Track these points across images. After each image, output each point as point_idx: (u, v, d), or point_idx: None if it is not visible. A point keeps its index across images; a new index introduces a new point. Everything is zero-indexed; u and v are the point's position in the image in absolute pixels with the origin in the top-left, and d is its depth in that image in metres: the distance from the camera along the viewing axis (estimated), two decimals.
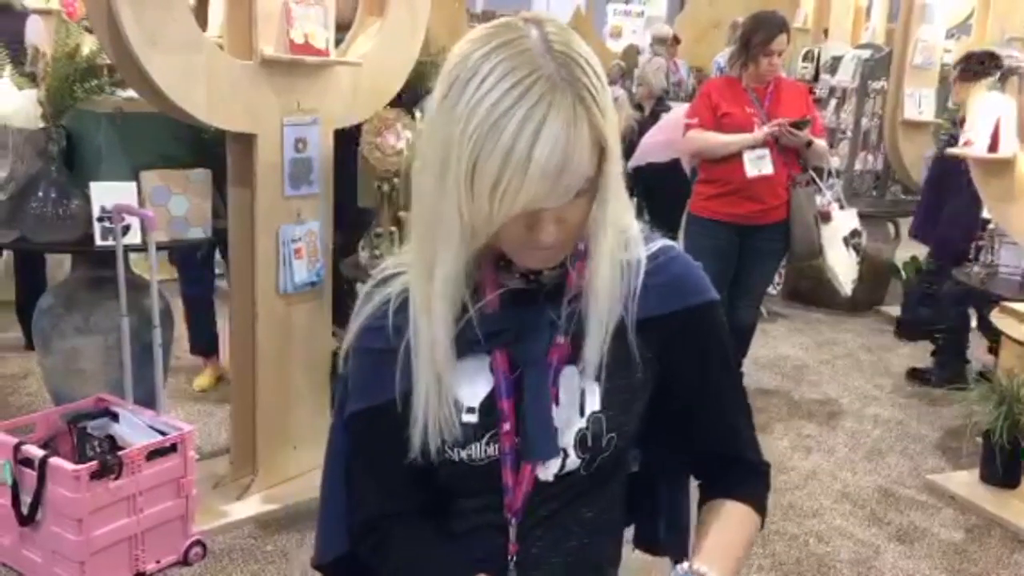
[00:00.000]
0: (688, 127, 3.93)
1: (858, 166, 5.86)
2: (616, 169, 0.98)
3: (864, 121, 5.89)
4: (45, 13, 3.41)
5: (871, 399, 4.31)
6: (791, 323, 5.49)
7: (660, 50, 7.86)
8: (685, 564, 1.03)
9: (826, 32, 7.12)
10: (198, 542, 2.72)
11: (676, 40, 8.67)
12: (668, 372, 1.10)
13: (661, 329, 1.07)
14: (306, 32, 2.84)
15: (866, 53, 6.09)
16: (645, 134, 5.74)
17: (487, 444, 1.06)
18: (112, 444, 2.63)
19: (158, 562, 2.64)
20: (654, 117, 5.95)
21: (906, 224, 5.27)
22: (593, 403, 1.05)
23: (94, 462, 2.46)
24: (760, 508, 1.15)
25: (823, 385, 4.47)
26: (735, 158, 3.70)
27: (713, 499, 1.14)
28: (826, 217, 3.80)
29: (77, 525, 2.43)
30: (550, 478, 1.06)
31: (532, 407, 1.05)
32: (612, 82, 8.30)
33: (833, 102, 6.10)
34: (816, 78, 6.27)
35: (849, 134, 5.91)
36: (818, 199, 3.82)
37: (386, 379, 1.06)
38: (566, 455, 1.05)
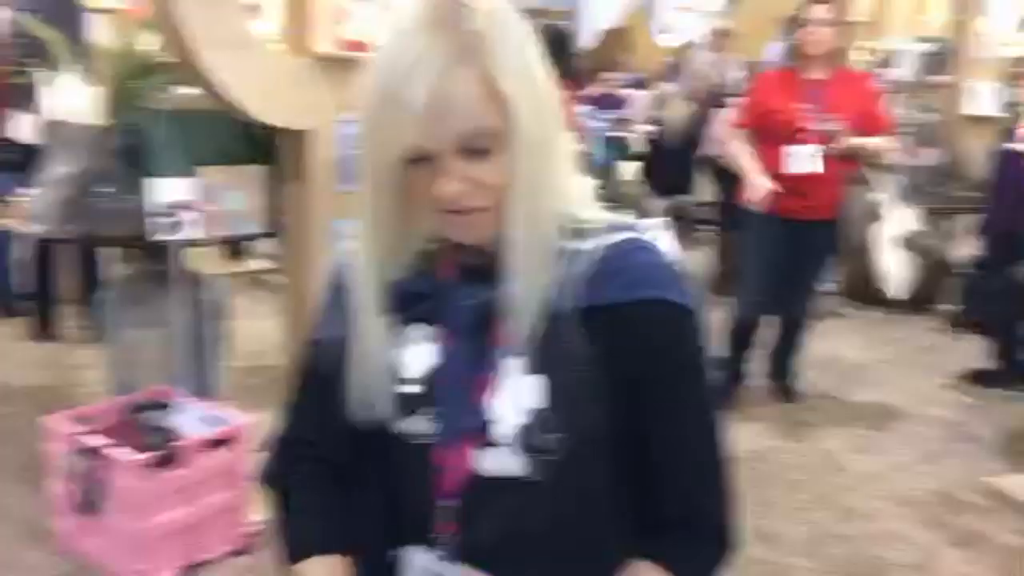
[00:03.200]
0: (732, 126, 3.92)
1: (917, 162, 5.74)
2: (533, 131, 0.96)
3: (924, 116, 5.76)
4: (108, 12, 3.48)
5: (929, 399, 4.22)
6: (847, 322, 5.40)
7: (713, 45, 7.78)
8: None
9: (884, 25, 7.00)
10: (254, 532, 2.77)
11: (729, 35, 8.57)
12: (618, 378, 1.00)
13: (607, 321, 0.99)
14: (360, 29, 2.86)
15: (925, 46, 5.97)
16: (699, 128, 5.71)
17: (427, 419, 1.04)
18: (171, 435, 2.68)
19: (215, 551, 2.69)
20: (706, 111, 5.91)
21: (965, 220, 5.16)
22: (534, 398, 0.99)
23: (153, 452, 2.51)
24: None
25: (879, 385, 4.39)
26: (773, 151, 3.63)
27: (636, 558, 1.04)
28: (875, 216, 3.72)
29: (137, 513, 2.49)
30: (489, 472, 1.01)
31: (446, 376, 1.03)
32: (662, 78, 8.25)
33: (891, 97, 5.98)
34: (874, 72, 6.15)
35: (908, 129, 5.80)
36: (872, 197, 3.74)
37: (343, 316, 1.07)
38: (505, 452, 1.00)
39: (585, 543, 1.05)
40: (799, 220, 3.67)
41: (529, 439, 1.00)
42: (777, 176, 3.63)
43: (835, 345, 4.96)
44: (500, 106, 0.94)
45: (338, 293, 1.10)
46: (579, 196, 1.05)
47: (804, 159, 3.59)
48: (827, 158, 3.59)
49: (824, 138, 3.58)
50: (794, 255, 3.82)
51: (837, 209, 3.68)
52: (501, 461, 1.01)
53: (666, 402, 1.03)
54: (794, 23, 3.72)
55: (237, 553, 2.73)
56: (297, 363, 1.17)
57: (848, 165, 3.68)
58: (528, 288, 0.98)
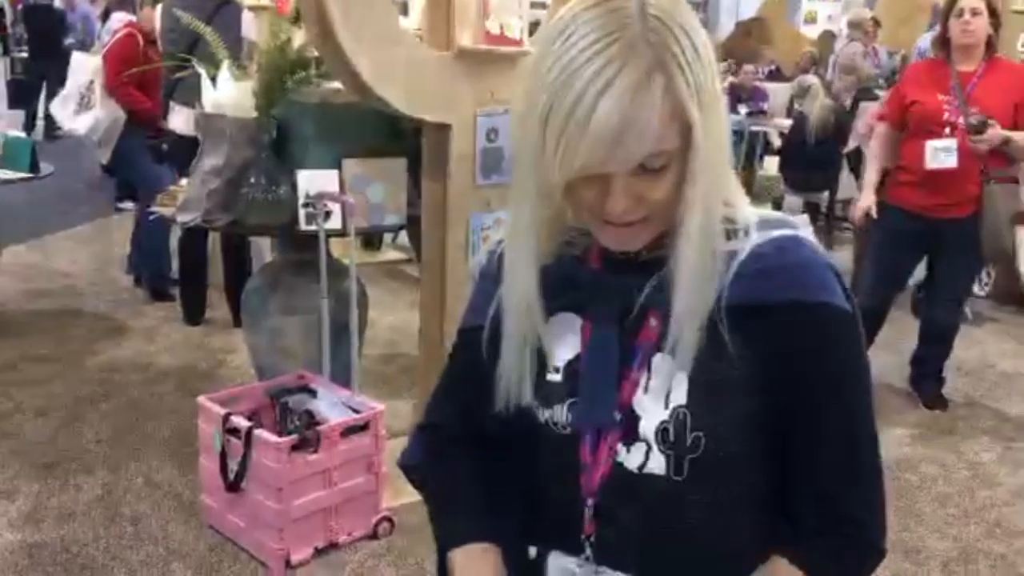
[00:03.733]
0: (875, 122, 3.85)
1: None
2: (711, 150, 0.92)
3: None
4: (259, 8, 3.61)
5: None
6: (1000, 327, 5.11)
7: (857, 35, 7.49)
8: None
9: None
10: (387, 518, 2.83)
11: (876, 24, 8.24)
12: (769, 378, 0.98)
13: (757, 321, 0.96)
14: (501, 23, 2.87)
15: None
16: (845, 122, 5.52)
17: (568, 410, 1.03)
18: (311, 419, 2.76)
19: (349, 534, 2.76)
20: (854, 104, 5.70)
21: None
22: (679, 396, 0.98)
23: (295, 435, 2.60)
24: None
25: None
26: (916, 145, 3.52)
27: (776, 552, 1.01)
28: (1022, 218, 3.50)
29: (278, 494, 2.57)
30: (633, 467, 1.00)
31: (586, 365, 1.02)
32: (804, 70, 8.00)
33: None
34: None
35: None
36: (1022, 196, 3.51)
37: (490, 302, 1.08)
38: (649, 448, 0.99)
39: (724, 544, 1.02)
40: (935, 218, 3.55)
41: (671, 437, 0.98)
42: (917, 171, 3.53)
43: (986, 352, 4.70)
44: (682, 127, 0.91)
45: (489, 281, 1.11)
46: (734, 194, 1.02)
47: (942, 154, 3.46)
48: (966, 153, 3.44)
49: (963, 132, 3.42)
50: (931, 255, 3.72)
51: (975, 207, 3.50)
52: (644, 458, 1.00)
53: (822, 406, 0.99)
54: (946, 12, 3.57)
55: (371, 537, 2.80)
56: (448, 351, 1.18)
57: (993, 161, 3.48)
58: (694, 291, 0.96)
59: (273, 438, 2.58)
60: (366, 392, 3.07)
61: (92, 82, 4.80)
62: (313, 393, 2.91)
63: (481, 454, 1.12)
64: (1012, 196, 3.49)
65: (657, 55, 0.89)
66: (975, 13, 3.45)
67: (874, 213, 3.73)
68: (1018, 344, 4.84)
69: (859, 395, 1.01)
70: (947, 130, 3.47)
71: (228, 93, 3.11)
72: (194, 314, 4.81)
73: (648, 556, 1.02)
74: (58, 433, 3.49)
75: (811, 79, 6.89)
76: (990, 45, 3.53)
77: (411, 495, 3.03)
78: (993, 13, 3.51)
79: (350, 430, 2.72)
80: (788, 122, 6.85)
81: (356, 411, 2.81)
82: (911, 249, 3.73)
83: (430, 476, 1.15)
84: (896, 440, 3.58)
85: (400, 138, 3.17)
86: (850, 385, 1.01)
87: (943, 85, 3.52)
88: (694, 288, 0.95)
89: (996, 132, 3.38)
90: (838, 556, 1.01)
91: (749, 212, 1.02)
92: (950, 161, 3.45)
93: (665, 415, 0.98)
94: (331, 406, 2.85)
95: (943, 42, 3.58)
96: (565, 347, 1.05)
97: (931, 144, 3.47)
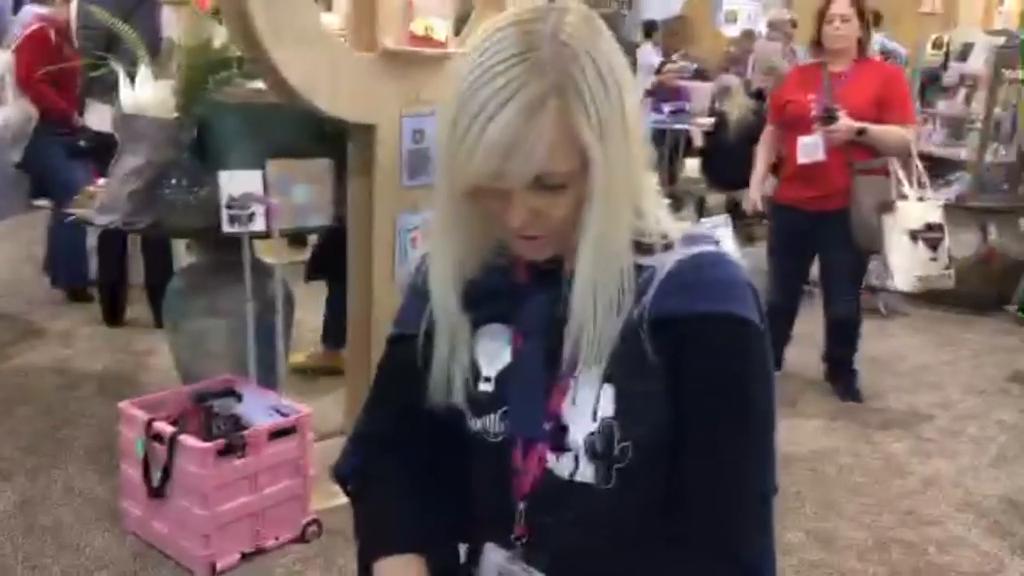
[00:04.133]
0: (768, 121, 4.19)
1: (989, 158, 5.60)
2: (613, 175, 0.95)
3: (997, 111, 5.61)
4: (179, 4, 3.54)
5: (997, 403, 4.13)
6: (912, 321, 5.30)
7: (776, 35, 7.66)
8: None
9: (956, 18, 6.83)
10: (315, 521, 2.81)
11: (794, 24, 8.44)
12: (675, 389, 1.00)
13: (673, 333, 0.99)
14: (426, 24, 2.87)
15: (1000, 40, 5.81)
16: (763, 122, 5.61)
17: (500, 419, 1.06)
18: (236, 423, 2.73)
19: (277, 538, 2.74)
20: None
21: None
22: (606, 407, 1.01)
23: (221, 440, 2.57)
24: None
25: (945, 387, 4.30)
26: (794, 142, 3.79)
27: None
28: (888, 207, 3.67)
29: (203, 499, 2.54)
30: (564, 475, 1.03)
31: (516, 375, 1.05)
32: (723, 69, 8.14)
33: (963, 91, 5.84)
34: (945, 66, 6.02)
35: (979, 125, 5.66)
36: (888, 188, 3.70)
37: (419, 313, 1.11)
38: (578, 457, 1.02)
39: (643, 552, 1.05)
40: (812, 211, 3.78)
41: (599, 446, 1.01)
42: (792, 166, 3.84)
43: (899, 345, 4.87)
44: (580, 150, 0.94)
45: (419, 294, 1.13)
46: (653, 207, 1.04)
47: (810, 149, 3.73)
48: (831, 147, 3.69)
49: (826, 126, 3.67)
50: (815, 248, 3.95)
51: (846, 200, 3.72)
52: (572, 466, 1.03)
53: (714, 406, 1.01)
54: (819, 18, 3.84)
55: (299, 540, 2.78)
56: (375, 353, 1.20)
57: (858, 154, 3.72)
58: (598, 316, 0.98)
59: (198, 443, 2.55)
60: (292, 395, 3.05)
61: (2, 77, 4.65)
62: (239, 397, 2.88)
63: (413, 461, 1.14)
64: (878, 187, 3.69)
65: (558, 79, 0.92)
66: (844, 20, 3.74)
67: (759, 205, 4.14)
68: (928, 338, 5.02)
69: (756, 405, 1.03)
70: (815, 126, 3.73)
71: (147, 93, 3.05)
72: (114, 315, 4.70)
73: (574, 560, 1.05)
74: None
75: (731, 79, 7.02)
76: (861, 47, 3.80)
77: (339, 498, 3.02)
78: (862, 16, 3.77)
79: (277, 433, 2.70)
80: (710, 121, 6.98)
81: (283, 414, 2.79)
82: (800, 243, 3.96)
83: (361, 487, 1.16)
84: (813, 432, 3.70)
85: (325, 139, 3.14)
86: (748, 395, 1.02)
87: (815, 85, 3.82)
88: (588, 306, 0.98)
89: (846, 122, 3.63)
90: (710, 573, 1.01)
91: (673, 227, 1.05)
92: (818, 155, 3.71)
93: (593, 427, 1.01)
94: (257, 410, 2.82)
95: (817, 46, 3.88)
96: (496, 357, 1.08)
97: (801, 140, 3.75)
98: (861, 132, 3.63)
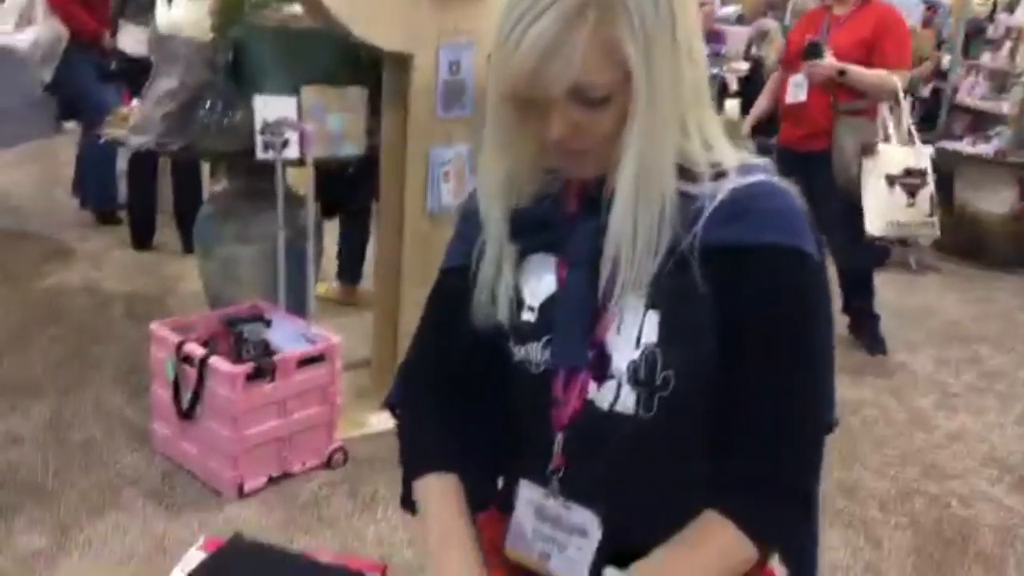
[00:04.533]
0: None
1: None
2: (658, 95, 0.94)
3: None
4: None
5: None
6: (943, 277, 5.25)
7: None
8: (611, 573, 0.97)
9: None
10: (341, 448, 2.84)
11: None
12: (726, 320, 0.99)
13: (730, 262, 0.97)
14: None
15: None
16: None
17: (543, 349, 1.05)
18: (266, 349, 2.75)
19: (303, 464, 2.77)
20: None
21: None
22: (650, 334, 1.00)
23: (250, 364, 2.58)
24: (761, 540, 0.99)
25: (973, 343, 4.27)
26: (784, 82, 3.89)
27: (707, 508, 1.00)
28: (869, 150, 3.63)
29: (232, 422, 2.57)
30: (604, 406, 1.02)
31: (560, 305, 1.04)
32: (761, 13, 7.97)
33: (1008, 44, 5.71)
34: (992, 17, 5.87)
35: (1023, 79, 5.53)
36: (870, 131, 3.67)
37: (473, 243, 1.10)
38: (620, 386, 1.01)
39: (681, 488, 1.04)
40: (801, 152, 3.76)
41: (642, 375, 1.00)
42: (785, 107, 3.91)
43: (929, 300, 4.83)
44: (619, 65, 0.93)
45: (469, 219, 1.12)
46: (706, 132, 1.02)
47: (797, 88, 3.78)
48: (815, 87, 3.72)
49: (809, 60, 3.71)
50: (811, 194, 3.89)
51: (829, 140, 3.73)
52: (614, 396, 1.02)
53: (777, 350, 0.99)
54: None
55: (325, 467, 2.81)
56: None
57: (842, 96, 3.72)
58: (634, 232, 0.97)
59: (229, 367, 2.56)
60: (320, 324, 3.06)
61: None
62: (268, 323, 2.89)
63: (455, 392, 1.14)
64: (861, 129, 3.68)
65: None
66: None
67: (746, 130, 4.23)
68: (958, 294, 4.97)
69: (816, 340, 1.01)
70: (801, 62, 3.76)
71: (183, 13, 3.02)
72: (143, 239, 4.72)
73: (611, 493, 1.05)
74: (4, 356, 3.43)
75: (769, 23, 6.89)
76: None
77: (365, 428, 3.06)
78: None
79: (306, 361, 2.71)
80: (745, 66, 6.86)
81: (312, 342, 2.80)
82: (798, 184, 3.88)
83: (407, 413, 1.17)
84: (838, 384, 3.66)
85: (361, 67, 3.11)
86: (808, 330, 1.01)
87: (816, 27, 3.85)
88: (627, 226, 0.97)
89: (829, 60, 3.66)
90: (766, 509, 1.00)
91: (729, 156, 1.03)
92: (802, 95, 3.76)
93: (635, 354, 1.00)
94: (286, 336, 2.83)
95: None
96: (540, 287, 1.07)
97: (791, 79, 3.81)
98: (842, 73, 3.64)
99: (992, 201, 5.40)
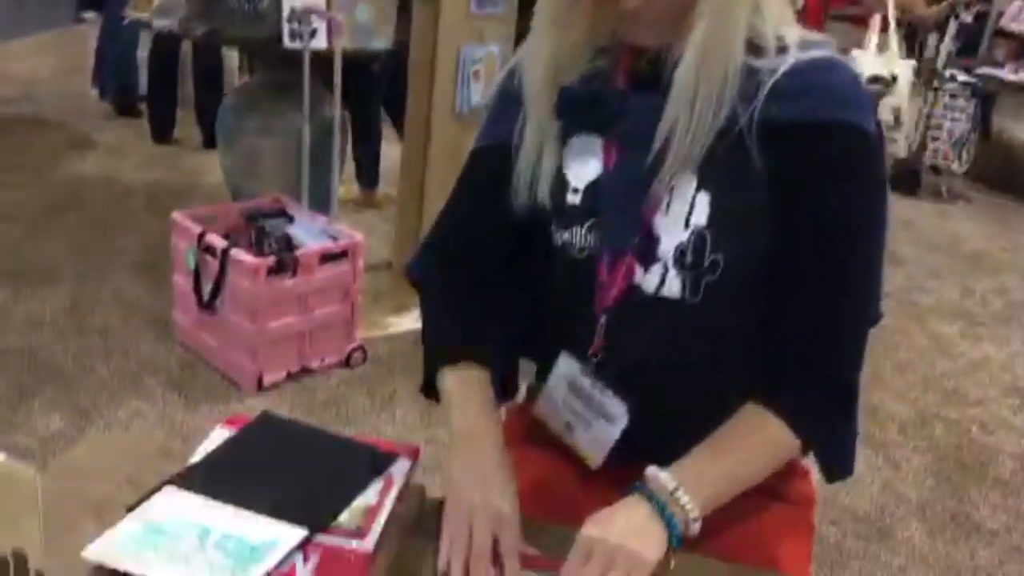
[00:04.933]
0: None
1: None
2: None
3: None
4: None
5: None
6: (973, 206, 5.15)
7: None
8: (655, 472, 0.92)
9: None
10: (360, 348, 2.82)
11: None
12: (781, 201, 0.94)
13: (788, 140, 0.92)
14: None
15: None
16: None
17: (587, 232, 1.01)
18: (288, 243, 2.71)
19: (323, 360, 2.76)
20: None
21: None
22: (700, 216, 0.95)
23: (272, 258, 2.55)
24: (805, 432, 0.97)
25: (1001, 274, 4.20)
26: None
27: (749, 401, 0.98)
28: (842, 53, 3.58)
29: (253, 315, 2.55)
30: (649, 289, 0.98)
31: (609, 185, 1.00)
32: None
33: None
34: None
35: None
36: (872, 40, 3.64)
37: (511, 122, 1.05)
38: (666, 271, 0.97)
39: (722, 373, 1.01)
40: None
41: (689, 258, 0.96)
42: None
43: (959, 229, 4.75)
44: None
45: (508, 98, 1.07)
46: (773, 11, 0.96)
47: None
48: None
49: None
50: None
51: None
52: (660, 280, 0.98)
53: (829, 235, 0.95)
54: None
55: (344, 365, 2.80)
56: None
57: (835, 2, 3.77)
58: (693, 106, 0.92)
59: (250, 259, 2.53)
60: (342, 222, 3.01)
61: None
62: (290, 218, 2.85)
63: (483, 272, 1.09)
64: (845, 34, 3.68)
65: None
66: None
67: None
68: (988, 224, 4.89)
69: (870, 226, 0.97)
70: None
71: None
72: (162, 132, 4.66)
73: (647, 381, 1.02)
74: (24, 242, 3.41)
75: None
76: None
77: (385, 328, 3.05)
78: None
79: (328, 257, 2.67)
80: None
81: (334, 239, 2.76)
82: None
83: (430, 291, 1.13)
84: None
85: None
86: (862, 214, 0.96)
87: None
88: (687, 99, 0.92)
89: None
90: (812, 403, 0.98)
91: (791, 31, 0.97)
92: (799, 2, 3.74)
93: (684, 236, 0.96)
94: (309, 232, 2.79)
95: None
96: (586, 169, 1.02)
97: None
98: None
99: None
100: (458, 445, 0.98)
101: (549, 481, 1.10)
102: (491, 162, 1.08)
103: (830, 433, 1.02)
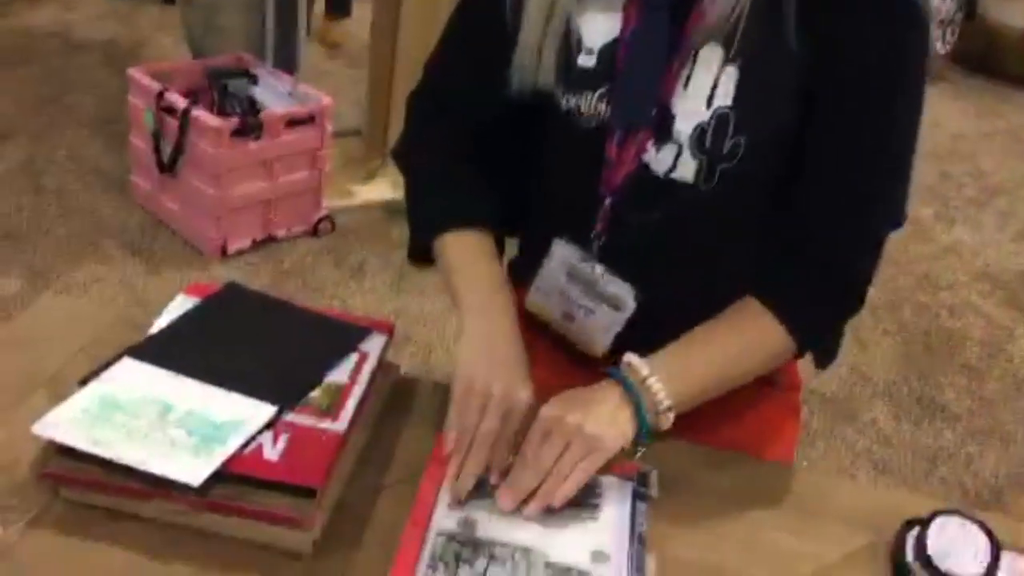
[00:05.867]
0: None
1: None
2: None
3: None
4: None
5: None
6: (952, 88, 5.06)
7: None
8: (631, 358, 0.87)
9: None
10: (328, 217, 2.74)
11: None
12: (815, 82, 0.85)
13: (826, 16, 0.83)
14: None
15: None
16: None
17: (599, 100, 0.91)
18: (252, 105, 2.59)
19: (289, 230, 2.68)
20: None
21: None
22: (724, 94, 0.86)
23: (235, 119, 2.43)
24: (803, 336, 0.91)
25: (978, 158, 4.17)
26: None
27: (748, 296, 0.92)
28: None
29: (216, 180, 2.45)
30: (660, 170, 0.90)
31: (628, 51, 0.89)
32: None
33: None
34: None
35: None
36: None
37: None
38: (680, 152, 0.88)
39: (726, 270, 0.96)
40: None
41: (708, 139, 0.88)
42: None
43: (937, 111, 4.67)
44: None
45: None
46: None
47: None
48: None
49: None
50: None
51: None
52: (673, 162, 0.90)
53: (862, 122, 0.87)
54: None
55: (311, 234, 2.72)
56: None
57: None
58: None
59: (213, 120, 2.41)
60: (309, 83, 2.87)
61: None
62: (254, 79, 2.71)
63: (476, 134, 1.00)
64: None
65: None
66: None
67: None
68: (967, 106, 4.81)
69: (909, 116, 0.88)
70: None
71: None
72: None
73: (652, 268, 0.96)
74: None
75: None
76: None
77: (353, 198, 2.95)
78: None
79: (294, 121, 2.56)
80: None
81: (301, 102, 2.63)
82: None
83: (417, 150, 1.04)
84: None
85: None
86: (905, 102, 0.87)
87: None
88: None
89: None
90: (817, 298, 0.92)
91: None
92: None
93: (705, 116, 0.87)
94: (274, 94, 2.66)
95: None
96: (602, 28, 0.91)
97: None
98: None
99: (1015, 13, 5.15)
100: (469, 321, 0.90)
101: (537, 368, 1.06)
102: (490, 10, 0.96)
103: (829, 346, 0.97)
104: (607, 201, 0.94)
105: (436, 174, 1.01)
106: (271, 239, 2.65)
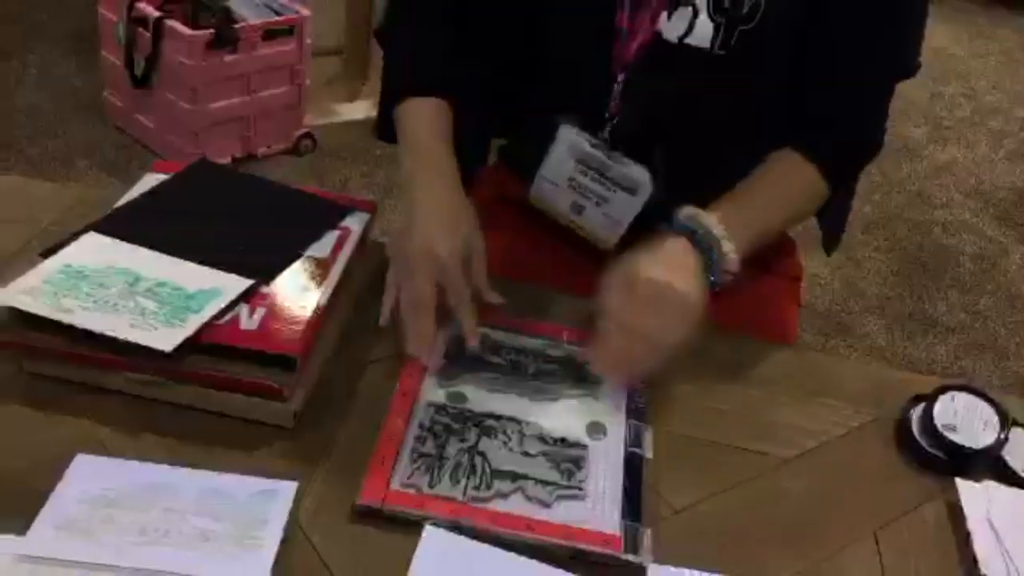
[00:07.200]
0: None
1: None
2: None
3: None
4: None
5: (1020, 99, 3.95)
6: (942, 10, 4.96)
7: None
8: (690, 211, 0.81)
9: None
10: (309, 134, 2.67)
11: None
12: None
13: None
14: None
15: None
16: None
17: None
18: (227, 16, 2.49)
19: (269, 147, 2.61)
20: None
21: None
22: None
23: (210, 30, 2.34)
24: (832, 176, 0.91)
25: (971, 79, 4.10)
26: None
27: (777, 151, 0.90)
28: None
29: (192, 94, 2.37)
30: (673, 38, 0.85)
31: None
32: None
33: None
34: None
35: None
36: None
37: None
38: (695, 15, 0.83)
39: (746, 140, 0.91)
40: None
41: (725, 1, 0.83)
42: None
43: (929, 31, 4.57)
44: None
45: None
46: None
47: None
48: None
49: None
50: None
51: None
52: (687, 27, 0.84)
53: None
54: None
55: (291, 152, 2.65)
56: None
57: None
58: None
59: (187, 31, 2.32)
60: None
61: None
62: None
63: (465, 11, 0.93)
64: None
65: None
66: None
67: None
68: (960, 28, 4.73)
69: None
70: None
71: None
72: None
73: (669, 146, 0.91)
74: None
75: None
76: None
77: (334, 116, 2.87)
78: None
79: (272, 33, 2.47)
80: None
81: (278, 14, 2.54)
82: None
83: (395, 26, 0.97)
84: None
85: None
86: None
87: None
88: None
89: None
90: (840, 147, 0.92)
91: None
92: None
93: None
94: (250, 5, 2.56)
95: None
96: None
97: None
98: None
99: None
100: (406, 183, 0.86)
101: (521, 243, 1.01)
102: None
103: (848, 185, 0.99)
104: (620, 78, 0.89)
105: (401, 48, 0.96)
106: (251, 157, 2.57)
